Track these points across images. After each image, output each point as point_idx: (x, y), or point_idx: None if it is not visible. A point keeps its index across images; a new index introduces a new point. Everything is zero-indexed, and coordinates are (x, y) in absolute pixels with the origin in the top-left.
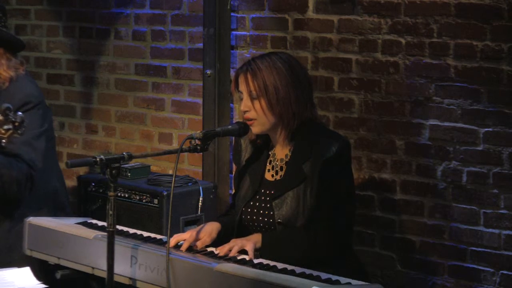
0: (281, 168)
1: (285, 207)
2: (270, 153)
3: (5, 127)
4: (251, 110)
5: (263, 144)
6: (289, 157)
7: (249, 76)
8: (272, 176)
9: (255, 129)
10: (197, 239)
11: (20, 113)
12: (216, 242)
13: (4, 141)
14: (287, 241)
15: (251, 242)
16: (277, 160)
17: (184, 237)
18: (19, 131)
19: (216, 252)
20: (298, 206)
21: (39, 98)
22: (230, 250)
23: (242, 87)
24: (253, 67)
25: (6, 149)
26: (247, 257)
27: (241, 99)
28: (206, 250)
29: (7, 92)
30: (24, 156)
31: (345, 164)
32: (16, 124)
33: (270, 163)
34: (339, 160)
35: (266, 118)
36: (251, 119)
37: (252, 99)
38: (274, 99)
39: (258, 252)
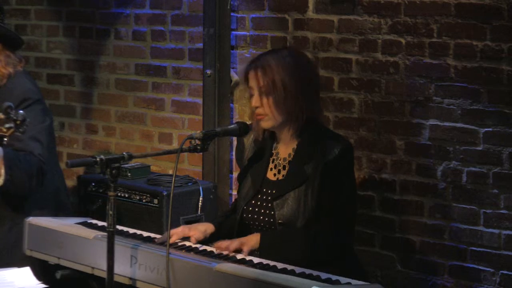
0: (284, 167)
1: (286, 208)
2: (273, 151)
3: (7, 125)
4: (261, 106)
5: (266, 143)
6: (292, 157)
7: (259, 73)
8: (274, 175)
9: (265, 124)
10: (189, 235)
11: (21, 111)
12: (207, 243)
13: (5, 139)
14: (286, 241)
15: (248, 246)
16: (280, 159)
17: (176, 231)
18: (20, 130)
19: (214, 248)
20: (299, 207)
21: (38, 94)
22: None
23: (252, 83)
24: (263, 64)
25: (14, 147)
26: (247, 257)
27: (251, 95)
28: (206, 249)
29: (6, 89)
30: (34, 151)
31: (347, 166)
32: (18, 122)
33: (272, 162)
34: (341, 162)
35: (276, 114)
36: (261, 115)
37: (262, 95)
38: (282, 96)
39: (257, 252)
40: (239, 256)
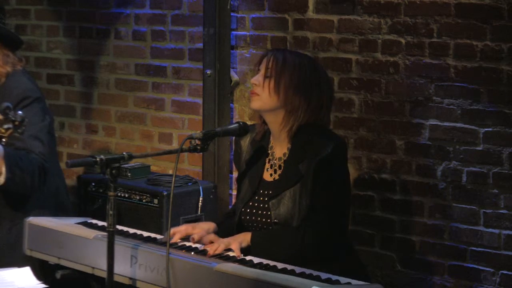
0: (280, 167)
1: (281, 207)
2: (269, 152)
3: (5, 126)
4: (259, 85)
5: (263, 145)
6: (287, 156)
7: (272, 58)
8: (271, 175)
9: (255, 103)
10: (192, 233)
11: (20, 112)
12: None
13: (4, 140)
14: (276, 240)
15: (236, 242)
16: (276, 159)
17: (180, 229)
18: (19, 130)
19: (203, 248)
20: (294, 206)
21: (37, 93)
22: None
23: (263, 65)
24: (282, 55)
25: (15, 146)
26: (247, 257)
27: (256, 74)
28: (206, 249)
29: (5, 88)
30: (35, 149)
31: (339, 165)
32: (16, 123)
33: (269, 162)
34: (333, 160)
35: (269, 98)
36: (256, 93)
37: (265, 77)
38: (284, 84)
39: (252, 250)
40: (239, 256)
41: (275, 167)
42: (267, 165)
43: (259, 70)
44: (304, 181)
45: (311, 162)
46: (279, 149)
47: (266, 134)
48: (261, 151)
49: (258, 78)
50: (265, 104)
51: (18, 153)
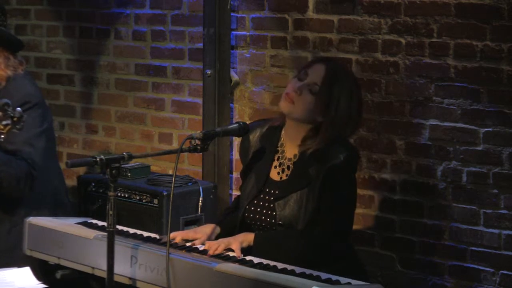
0: (288, 167)
1: (287, 209)
2: (279, 149)
3: (4, 122)
4: (298, 95)
5: (271, 141)
6: (297, 158)
7: (325, 74)
8: (278, 174)
9: (286, 108)
10: (194, 237)
11: (19, 108)
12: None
13: (2, 136)
14: (280, 242)
15: (237, 242)
16: (285, 158)
17: (181, 234)
18: (17, 126)
19: (204, 248)
20: (300, 209)
21: (38, 97)
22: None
23: (313, 73)
24: (336, 76)
25: (7, 149)
26: (247, 257)
27: (300, 79)
28: (206, 249)
29: (6, 91)
30: (24, 154)
31: (349, 173)
32: (15, 119)
33: (278, 159)
34: (345, 168)
35: (302, 112)
36: (291, 99)
37: (309, 89)
38: (325, 111)
39: (254, 251)
40: (239, 256)
41: (284, 167)
42: (276, 163)
43: (304, 73)
44: (312, 186)
45: (321, 168)
46: (290, 149)
47: (278, 128)
48: (270, 147)
49: (300, 88)
50: (295, 114)
51: (8, 158)
